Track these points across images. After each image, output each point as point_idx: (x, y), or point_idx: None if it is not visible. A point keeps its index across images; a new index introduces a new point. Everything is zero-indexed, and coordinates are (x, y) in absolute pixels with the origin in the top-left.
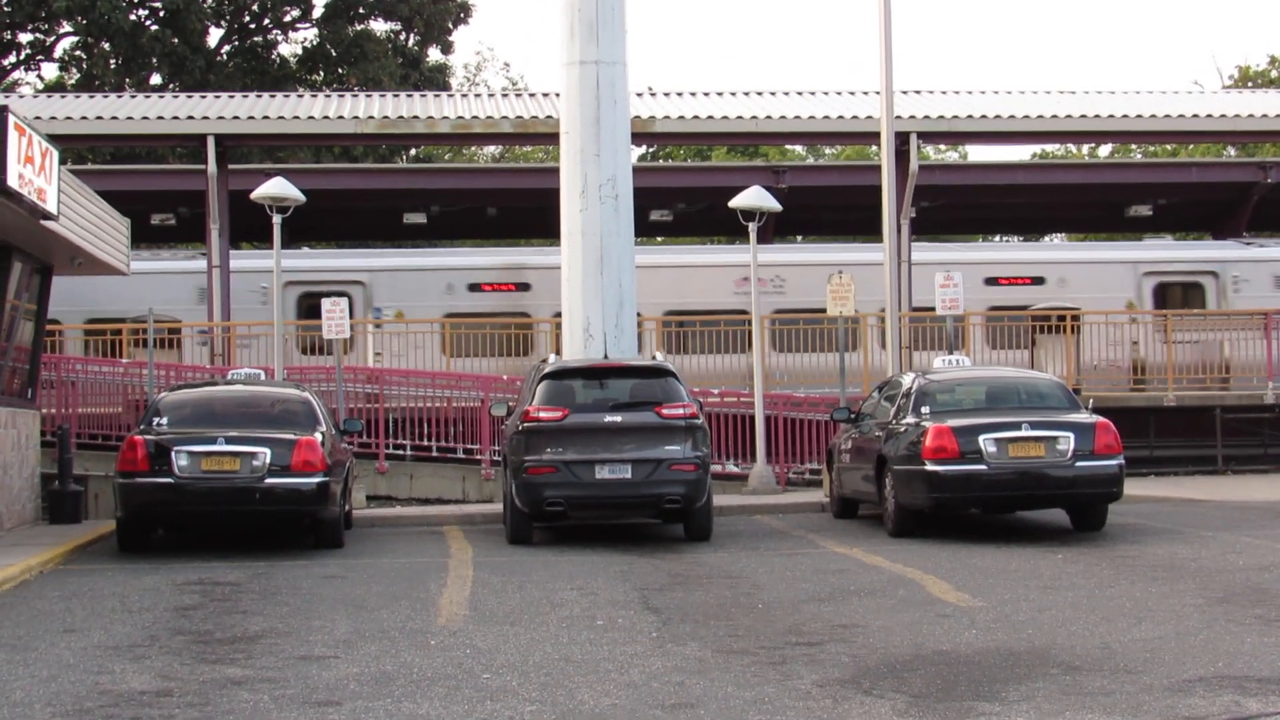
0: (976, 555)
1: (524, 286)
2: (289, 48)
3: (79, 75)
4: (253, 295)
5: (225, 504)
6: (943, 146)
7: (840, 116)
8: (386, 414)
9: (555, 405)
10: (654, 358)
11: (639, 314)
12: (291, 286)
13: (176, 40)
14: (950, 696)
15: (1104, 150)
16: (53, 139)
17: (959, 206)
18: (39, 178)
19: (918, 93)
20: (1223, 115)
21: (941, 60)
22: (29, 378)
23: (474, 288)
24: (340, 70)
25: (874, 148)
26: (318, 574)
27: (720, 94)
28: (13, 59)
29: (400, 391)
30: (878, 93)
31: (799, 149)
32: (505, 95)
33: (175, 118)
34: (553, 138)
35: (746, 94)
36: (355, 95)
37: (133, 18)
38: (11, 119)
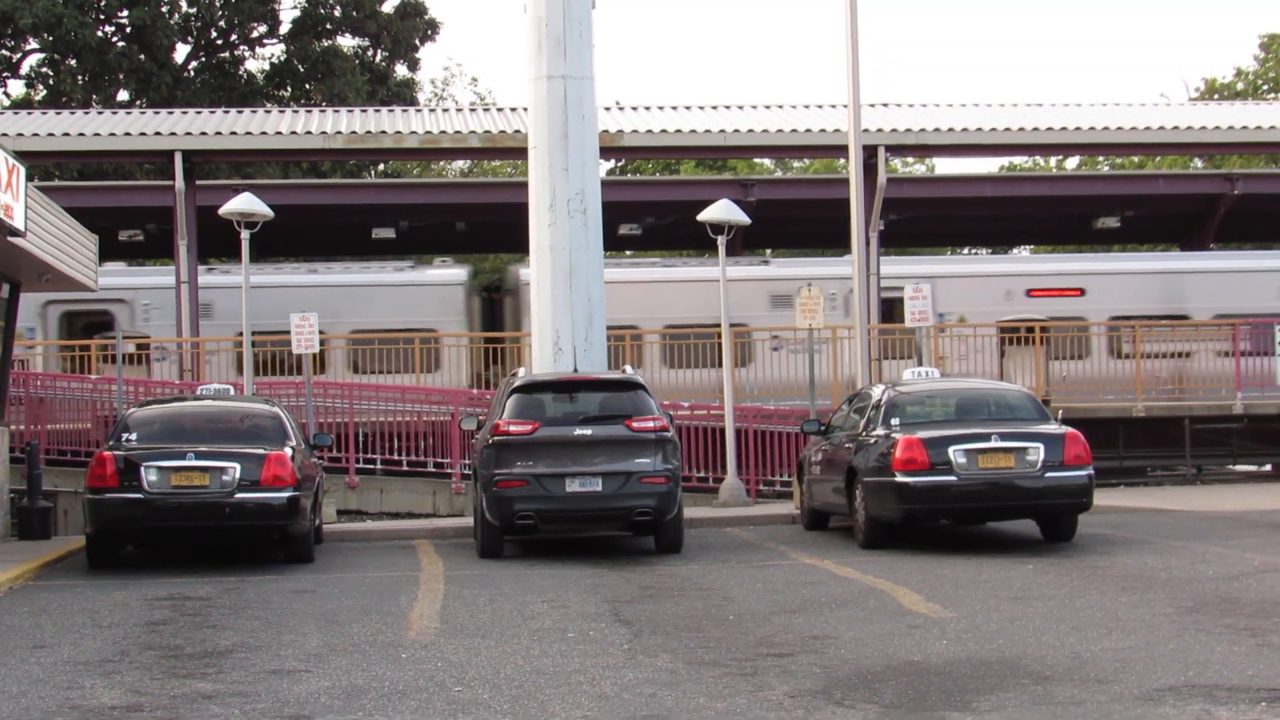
0: (947, 566)
1: (1079, 291)
2: (256, 64)
3: (46, 92)
4: (827, 301)
5: (195, 519)
6: (911, 159)
7: (808, 130)
8: (357, 428)
9: (525, 419)
10: (624, 371)
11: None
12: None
13: (144, 57)
14: (922, 707)
15: (1071, 163)
16: (20, 156)
17: (927, 219)
18: (6, 194)
19: (885, 106)
20: (1189, 127)
21: (909, 74)
22: None
23: (1030, 293)
24: (307, 86)
25: (842, 161)
26: (288, 588)
27: (688, 108)
28: None
29: (371, 406)
30: (845, 106)
31: (767, 162)
32: (473, 110)
33: (143, 134)
34: (521, 152)
35: (715, 108)
36: (323, 111)
37: (99, 34)
38: None
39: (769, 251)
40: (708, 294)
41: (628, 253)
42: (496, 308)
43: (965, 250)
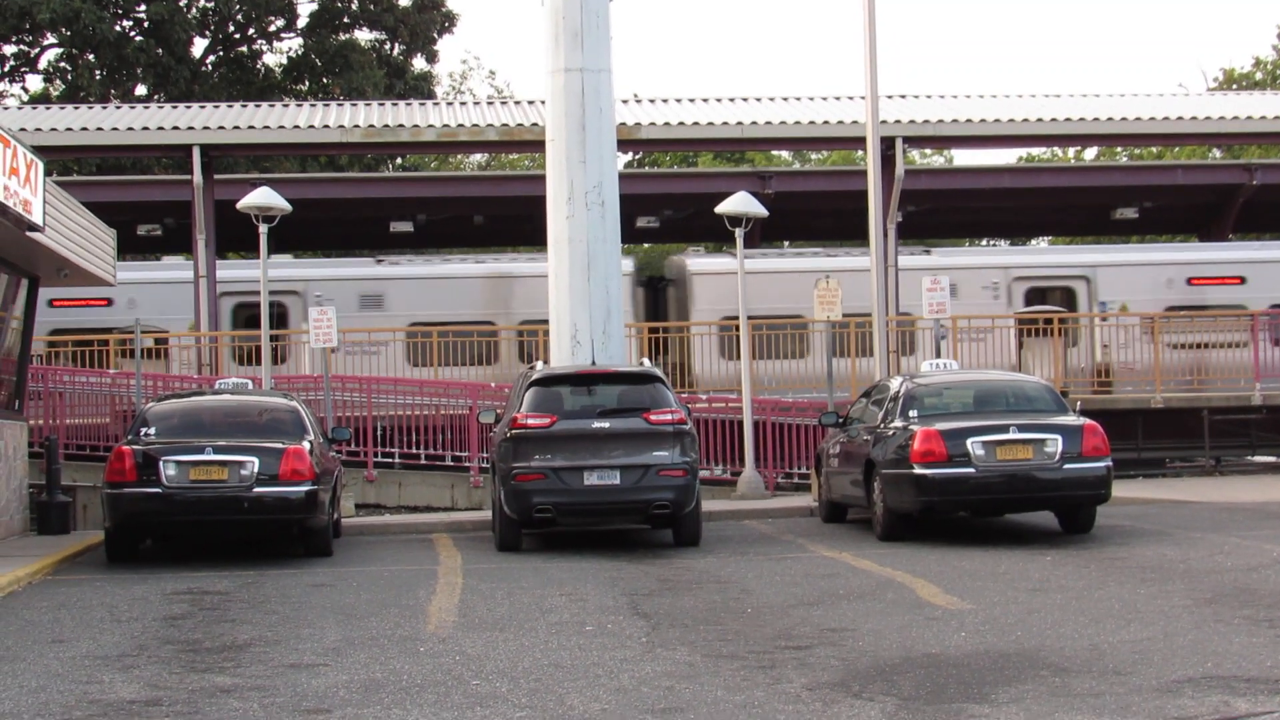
0: (965, 558)
1: (1240, 280)
2: (274, 58)
3: (64, 87)
4: (985, 291)
5: (213, 513)
6: (929, 151)
7: (826, 122)
8: (375, 422)
9: (543, 412)
10: (642, 364)
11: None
12: (1016, 280)
13: (161, 51)
14: (940, 699)
15: (1090, 153)
16: (38, 150)
17: (945, 210)
18: (24, 189)
19: (903, 97)
20: (1208, 118)
21: (927, 65)
22: (16, 389)
23: (1191, 281)
24: (325, 80)
25: (860, 153)
26: (306, 582)
27: (706, 100)
28: None
29: (389, 400)
30: (863, 98)
31: (785, 154)
32: (491, 103)
33: (161, 128)
34: (539, 145)
35: (732, 100)
36: (341, 104)
37: (117, 29)
38: None
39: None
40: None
41: (784, 244)
42: (660, 298)
43: (984, 242)
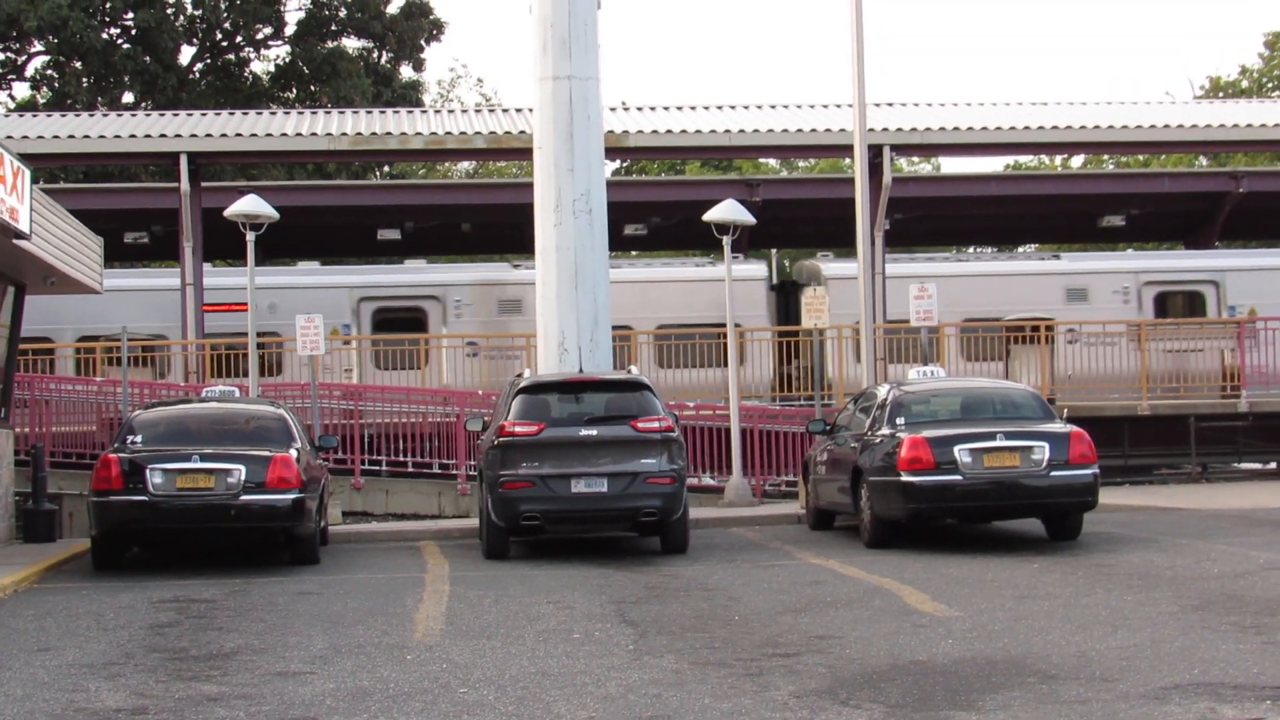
0: (952, 565)
1: None
2: (261, 65)
3: (51, 94)
4: (1116, 295)
5: (200, 521)
6: (916, 159)
7: (814, 129)
8: (362, 430)
9: (530, 420)
10: (629, 372)
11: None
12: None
13: (149, 58)
14: (927, 706)
15: (1077, 161)
16: (25, 158)
17: (932, 218)
18: (11, 197)
19: (890, 105)
20: (1194, 125)
21: (914, 73)
22: (2, 396)
23: None
24: (313, 88)
25: (847, 160)
26: (293, 590)
27: (694, 108)
28: None
29: (376, 408)
30: (851, 106)
31: (773, 162)
32: (479, 111)
33: (148, 136)
34: (527, 153)
35: (720, 108)
36: (329, 112)
37: (105, 36)
38: None
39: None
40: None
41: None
42: (791, 301)
43: (970, 250)
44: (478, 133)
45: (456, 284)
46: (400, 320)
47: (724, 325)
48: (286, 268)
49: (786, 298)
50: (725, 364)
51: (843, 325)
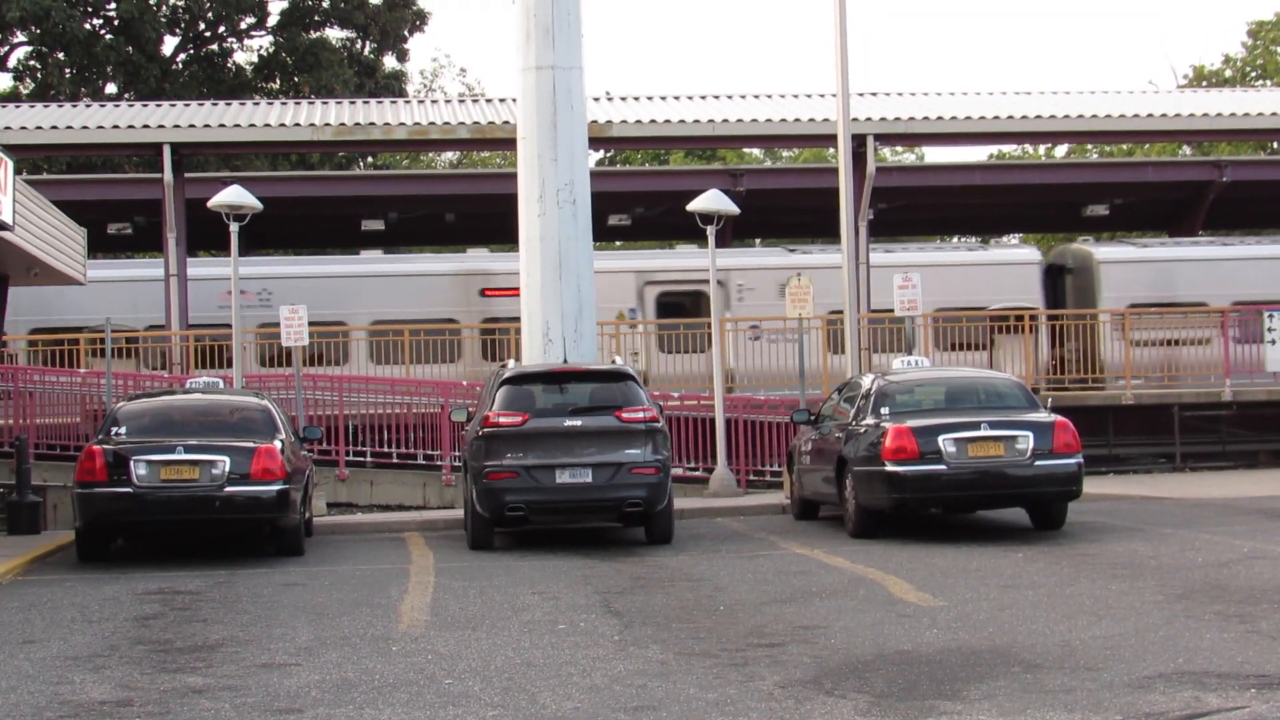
0: (937, 555)
1: None
2: (244, 56)
3: (34, 85)
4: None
5: (185, 513)
6: (900, 148)
7: (797, 119)
8: (346, 420)
9: (515, 410)
10: (614, 361)
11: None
12: None
13: (131, 49)
14: (912, 696)
15: (1060, 150)
16: (7, 149)
17: (916, 208)
18: None
19: (874, 95)
20: (1178, 115)
21: (898, 62)
22: None
23: None
24: (296, 79)
25: (831, 150)
26: (278, 582)
27: (677, 98)
28: None
29: (360, 399)
30: (834, 95)
31: (756, 152)
32: (462, 101)
33: (131, 126)
34: (510, 143)
35: (704, 97)
36: (312, 103)
37: (87, 27)
38: None
39: (777, 243)
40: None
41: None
42: (1059, 286)
43: (955, 239)
44: (461, 123)
45: (739, 268)
46: (684, 305)
47: (998, 309)
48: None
49: (1054, 282)
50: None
51: (1116, 310)
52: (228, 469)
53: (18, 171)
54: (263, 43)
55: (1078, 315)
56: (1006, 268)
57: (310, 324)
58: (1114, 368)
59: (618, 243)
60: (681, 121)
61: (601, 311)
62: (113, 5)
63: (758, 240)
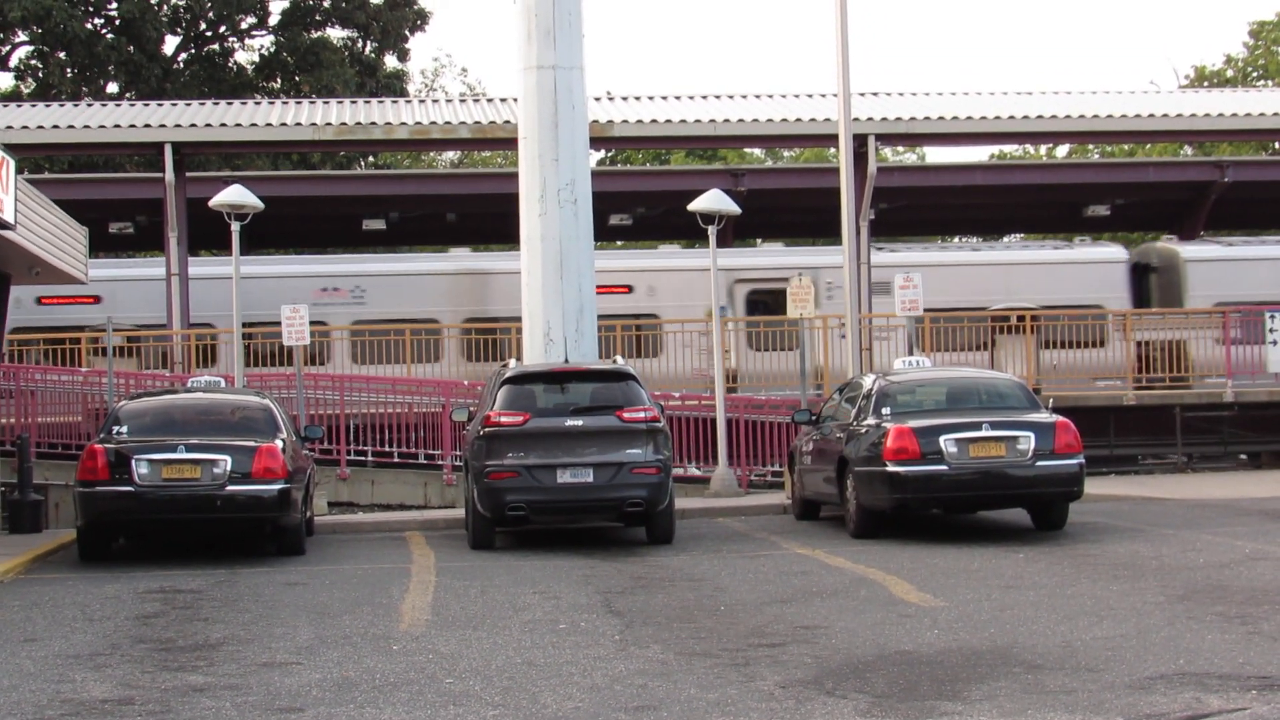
0: (938, 555)
1: None
2: (246, 55)
3: (35, 84)
4: None
5: (186, 512)
6: (901, 148)
7: (798, 119)
8: (348, 420)
9: (516, 410)
10: (614, 361)
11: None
12: None
13: (133, 49)
14: (913, 696)
15: (1062, 151)
16: (9, 148)
17: (918, 208)
18: None
19: (875, 95)
20: (1179, 115)
21: (899, 62)
22: None
23: None
24: (297, 78)
25: (832, 150)
26: (279, 581)
27: (679, 98)
28: None
29: (362, 398)
30: (835, 95)
31: (757, 152)
32: (464, 101)
33: (133, 126)
34: (511, 143)
35: (705, 97)
36: (313, 102)
37: (88, 27)
38: None
39: (759, 241)
40: None
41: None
42: (1143, 284)
43: (956, 240)
44: (462, 122)
45: (828, 266)
46: (772, 302)
47: (1086, 306)
48: (673, 249)
49: (1137, 280)
50: (1085, 345)
51: (1206, 310)
52: (229, 468)
53: (19, 171)
54: (264, 42)
55: (1178, 313)
56: (1093, 266)
57: (402, 321)
58: (1201, 366)
59: (618, 241)
60: (683, 121)
61: (691, 309)
62: (114, 5)
63: (758, 240)
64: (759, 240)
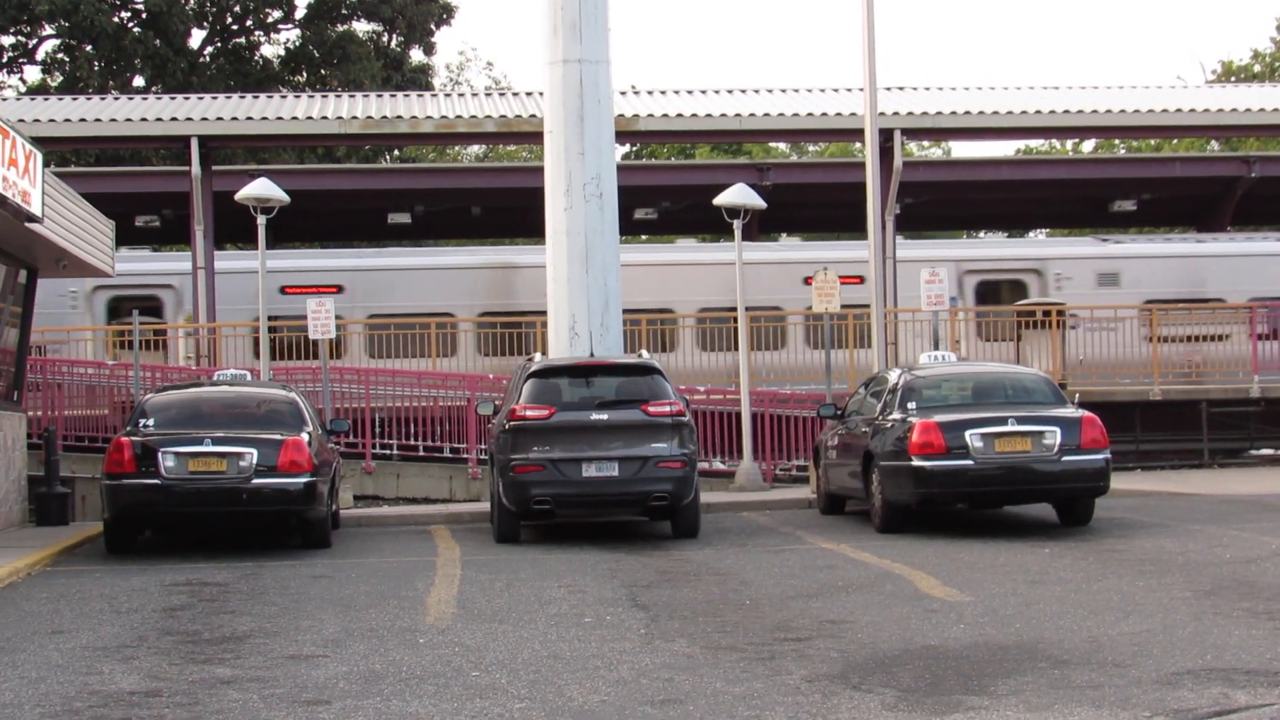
0: (963, 550)
1: None
2: (271, 49)
3: (62, 78)
4: None
5: (212, 505)
6: (926, 143)
7: (824, 113)
8: (373, 413)
9: (541, 404)
10: (640, 355)
11: None
12: None
13: (159, 42)
14: (939, 691)
15: (1088, 145)
16: (36, 142)
17: (943, 202)
18: (23, 180)
19: (901, 89)
20: (1206, 110)
21: (925, 56)
22: (14, 380)
23: None
24: (323, 72)
25: (858, 144)
26: (305, 574)
27: (704, 92)
28: None
29: (387, 391)
30: (861, 89)
31: (783, 146)
32: (489, 95)
33: (159, 119)
34: (537, 137)
35: (730, 91)
36: (339, 96)
37: (115, 20)
38: None
39: (783, 235)
40: None
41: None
42: None
43: (981, 234)
44: (488, 116)
45: (1057, 258)
46: (999, 292)
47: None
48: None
49: None
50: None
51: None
52: (255, 461)
53: (46, 164)
54: (290, 36)
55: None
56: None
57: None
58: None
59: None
60: (708, 115)
61: (919, 299)
62: None
63: (783, 235)
64: (782, 235)
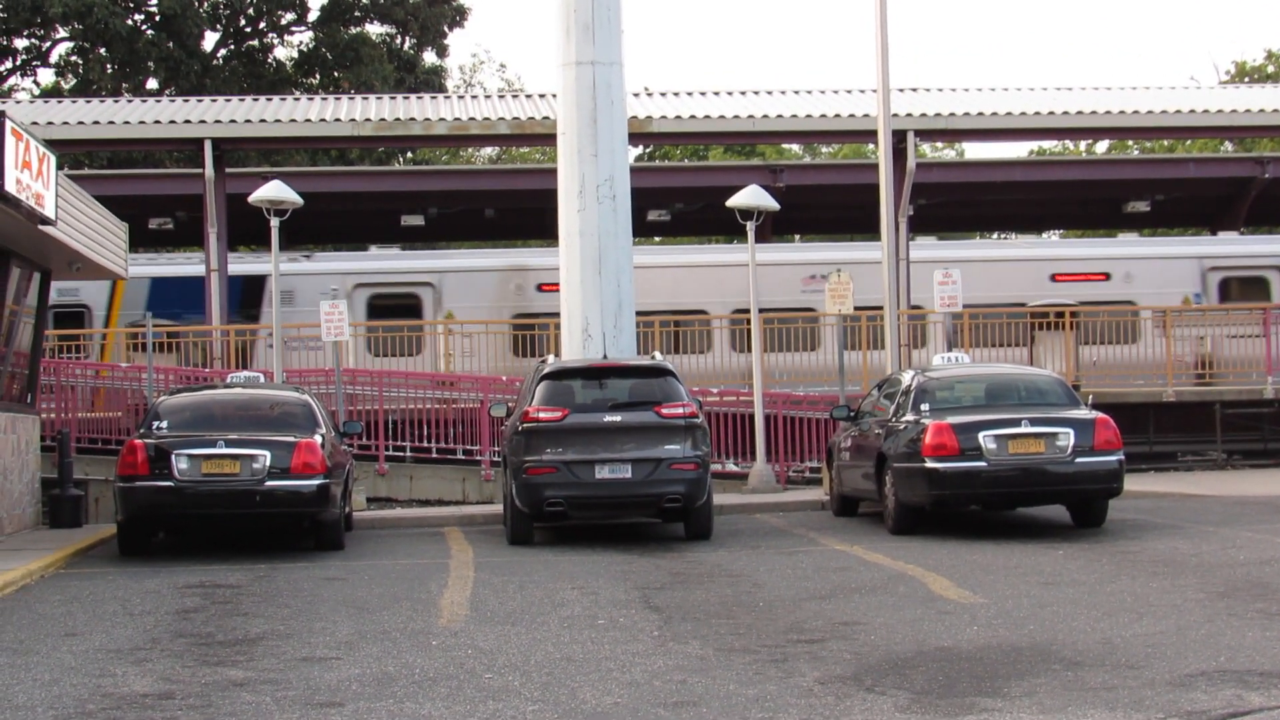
0: (977, 552)
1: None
2: (285, 51)
3: (75, 80)
4: None
5: (226, 507)
6: (940, 144)
7: (837, 115)
8: (386, 415)
9: (555, 405)
10: (653, 357)
11: None
12: None
13: (172, 45)
14: (952, 693)
15: (1101, 146)
16: (50, 144)
17: (956, 204)
18: (37, 183)
19: (914, 90)
20: (1219, 110)
21: (938, 58)
22: (28, 383)
23: None
24: (336, 74)
25: (871, 146)
26: (318, 576)
27: (717, 93)
28: (9, 65)
29: (400, 393)
30: (874, 91)
31: (796, 148)
32: (502, 96)
33: (172, 121)
34: (550, 139)
35: (743, 93)
36: (352, 98)
37: (129, 23)
38: (9, 124)
39: (797, 237)
40: None
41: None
42: None
43: (995, 235)
44: (501, 118)
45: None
46: (1245, 289)
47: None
48: (1133, 238)
49: None
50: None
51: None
52: (268, 463)
53: (60, 166)
54: (303, 38)
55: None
56: None
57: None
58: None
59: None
60: (721, 117)
61: (1166, 296)
62: (154, 1)
63: (797, 236)
64: (796, 236)
